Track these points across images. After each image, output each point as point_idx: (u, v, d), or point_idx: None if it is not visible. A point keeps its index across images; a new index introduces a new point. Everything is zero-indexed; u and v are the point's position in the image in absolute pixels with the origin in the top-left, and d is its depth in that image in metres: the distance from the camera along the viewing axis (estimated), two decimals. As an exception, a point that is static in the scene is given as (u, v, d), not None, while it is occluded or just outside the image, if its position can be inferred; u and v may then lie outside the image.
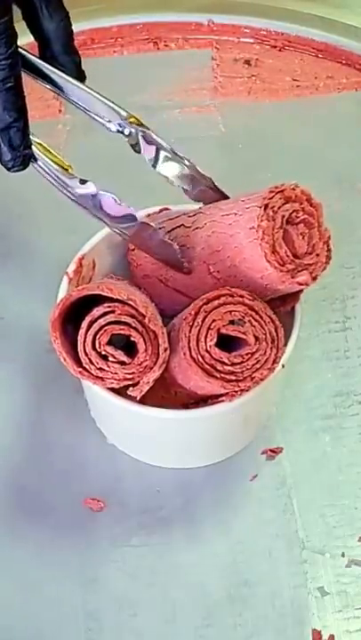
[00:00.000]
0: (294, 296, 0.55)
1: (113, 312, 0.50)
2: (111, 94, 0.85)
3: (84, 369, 0.51)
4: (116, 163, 0.77)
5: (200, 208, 0.58)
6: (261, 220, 0.50)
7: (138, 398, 0.52)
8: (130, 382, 0.51)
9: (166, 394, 0.54)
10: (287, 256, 0.51)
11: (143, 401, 0.53)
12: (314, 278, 0.52)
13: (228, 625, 0.55)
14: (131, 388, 0.51)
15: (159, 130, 0.79)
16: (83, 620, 0.55)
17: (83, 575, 0.57)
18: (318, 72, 0.84)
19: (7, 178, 0.72)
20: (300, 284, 0.52)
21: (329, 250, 0.53)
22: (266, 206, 0.51)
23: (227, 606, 0.56)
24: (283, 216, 0.51)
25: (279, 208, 0.51)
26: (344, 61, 0.84)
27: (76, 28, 0.86)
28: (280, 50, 0.86)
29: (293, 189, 0.52)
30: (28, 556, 0.57)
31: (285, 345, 0.53)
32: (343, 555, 0.57)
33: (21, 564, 0.57)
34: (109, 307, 0.51)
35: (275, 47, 0.86)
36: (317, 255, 0.52)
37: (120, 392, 0.53)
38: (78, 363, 0.51)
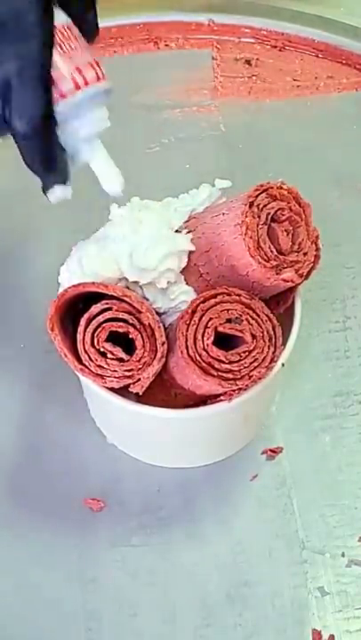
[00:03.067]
0: (286, 298, 0.55)
1: (110, 309, 0.51)
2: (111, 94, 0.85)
3: (85, 366, 0.51)
4: (116, 162, 0.77)
5: (194, 214, 0.58)
6: (246, 216, 0.51)
7: (140, 394, 0.52)
8: (130, 380, 0.51)
9: (166, 396, 0.54)
10: (271, 252, 0.51)
11: (143, 403, 0.53)
12: (301, 276, 0.52)
13: (228, 625, 0.55)
14: (132, 385, 0.51)
15: (159, 130, 0.80)
16: (83, 620, 0.55)
17: (83, 575, 0.57)
18: (318, 72, 0.84)
19: (7, 179, 0.72)
20: (286, 281, 0.52)
21: (318, 249, 0.53)
22: (251, 204, 0.51)
23: (227, 606, 0.56)
24: (268, 213, 0.51)
25: (265, 206, 0.51)
26: (344, 61, 0.84)
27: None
28: (280, 50, 0.86)
29: (279, 188, 0.52)
30: (28, 556, 0.57)
31: (285, 344, 0.53)
32: (343, 555, 0.57)
33: (21, 564, 0.57)
34: (107, 303, 0.51)
35: (275, 47, 0.86)
36: (305, 254, 0.52)
37: (120, 392, 0.53)
38: (79, 360, 0.51)
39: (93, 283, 0.52)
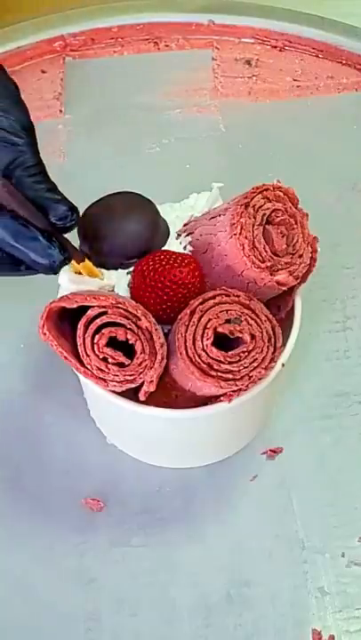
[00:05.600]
0: (286, 302, 0.55)
1: (106, 312, 0.50)
2: (111, 94, 0.85)
3: (87, 369, 0.51)
4: (116, 162, 0.77)
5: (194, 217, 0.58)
6: (241, 217, 0.51)
7: (144, 399, 0.52)
8: (132, 384, 0.51)
9: (167, 398, 0.54)
10: (266, 252, 0.51)
11: (144, 404, 0.53)
12: (296, 278, 0.52)
13: (228, 625, 0.55)
14: (139, 393, 0.51)
15: (159, 130, 0.80)
16: (83, 620, 0.55)
17: (83, 575, 0.57)
18: (318, 72, 0.84)
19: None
20: (280, 283, 0.52)
21: (314, 251, 0.53)
22: (247, 205, 0.51)
23: (227, 606, 0.56)
24: (263, 214, 0.51)
25: (260, 207, 0.51)
26: (344, 61, 0.84)
27: (76, 28, 0.87)
28: (280, 50, 0.86)
29: (275, 190, 0.52)
30: (28, 557, 0.57)
31: (285, 344, 0.53)
32: (343, 555, 0.57)
33: (21, 565, 0.57)
34: (103, 307, 0.51)
35: (275, 47, 0.86)
36: (300, 256, 0.52)
37: (120, 392, 0.53)
38: (81, 362, 0.51)
39: (84, 295, 0.51)
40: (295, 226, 0.52)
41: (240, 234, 0.51)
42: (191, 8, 0.86)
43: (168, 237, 0.56)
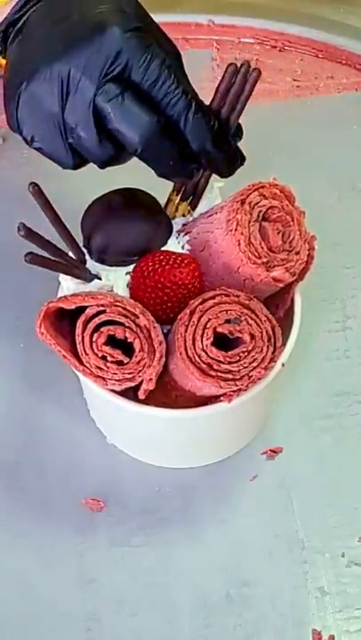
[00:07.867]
0: (284, 300, 0.55)
1: (105, 311, 0.50)
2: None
3: (86, 367, 0.51)
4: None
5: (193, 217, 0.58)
6: (237, 213, 0.51)
7: (143, 397, 0.52)
8: (131, 383, 0.51)
9: (167, 398, 0.54)
10: (262, 248, 0.51)
11: (144, 404, 0.53)
12: (292, 274, 0.52)
13: (228, 625, 0.55)
14: (139, 392, 0.51)
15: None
16: (83, 621, 0.55)
17: (83, 575, 0.57)
18: (318, 72, 0.84)
19: (8, 181, 0.72)
20: (276, 280, 0.52)
21: (311, 249, 0.53)
22: (243, 201, 0.51)
23: (227, 606, 0.56)
24: (260, 211, 0.51)
25: (257, 204, 0.52)
26: (344, 61, 0.84)
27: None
28: (280, 50, 0.86)
29: (271, 187, 0.52)
30: (28, 557, 0.57)
31: (285, 344, 0.53)
32: (343, 555, 0.57)
33: (21, 565, 0.57)
34: (102, 305, 0.51)
35: (275, 47, 0.86)
36: (297, 253, 0.52)
37: (120, 392, 0.53)
38: (80, 361, 0.51)
39: (82, 296, 0.51)
40: (291, 223, 0.52)
41: (236, 230, 0.51)
42: (191, 8, 0.86)
43: (171, 234, 0.56)
